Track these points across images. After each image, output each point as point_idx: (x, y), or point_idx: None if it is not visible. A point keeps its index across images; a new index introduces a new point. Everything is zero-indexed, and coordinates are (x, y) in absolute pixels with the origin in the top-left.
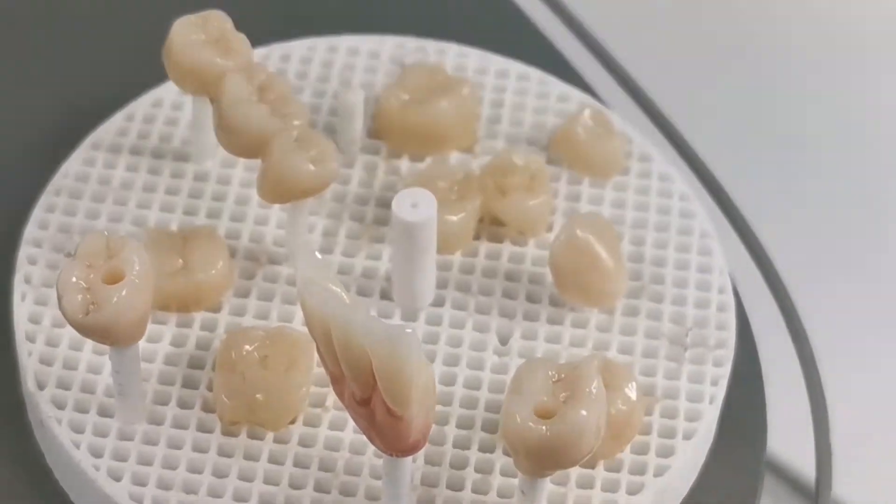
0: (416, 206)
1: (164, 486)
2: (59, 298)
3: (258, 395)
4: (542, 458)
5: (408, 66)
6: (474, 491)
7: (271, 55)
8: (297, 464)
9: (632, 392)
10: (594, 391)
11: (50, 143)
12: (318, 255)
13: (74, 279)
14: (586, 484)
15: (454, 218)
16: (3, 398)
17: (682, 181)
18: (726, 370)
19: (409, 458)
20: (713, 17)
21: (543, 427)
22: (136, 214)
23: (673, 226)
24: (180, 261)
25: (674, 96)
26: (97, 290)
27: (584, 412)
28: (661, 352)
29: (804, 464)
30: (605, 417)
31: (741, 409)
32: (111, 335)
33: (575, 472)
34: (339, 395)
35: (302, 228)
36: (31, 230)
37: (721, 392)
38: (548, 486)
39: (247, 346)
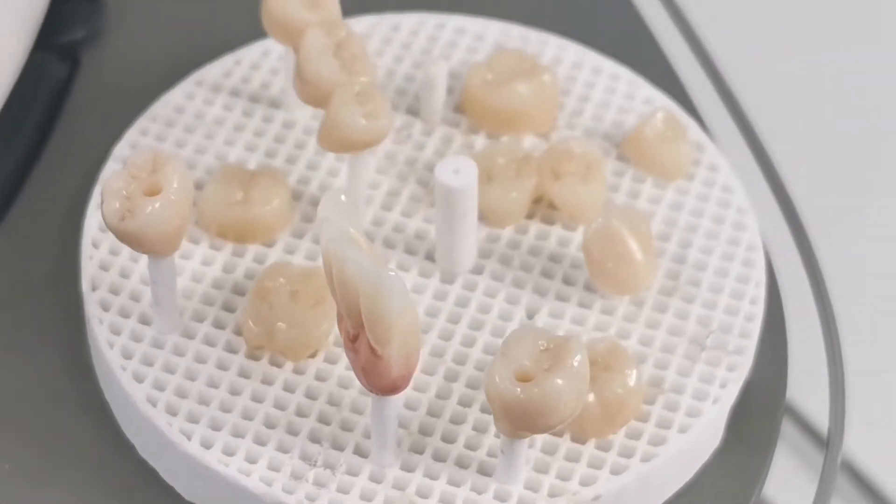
0: (457, 173)
1: (181, 394)
2: (101, 202)
3: (279, 324)
4: (515, 419)
5: (498, 49)
6: (466, 446)
7: (382, 23)
8: (308, 394)
9: (630, 378)
10: (576, 365)
11: (162, 74)
12: (343, 198)
13: (118, 187)
14: (573, 457)
15: (505, 193)
16: (71, 298)
17: (745, 196)
18: (739, 375)
19: (395, 400)
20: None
21: (518, 389)
22: (220, 150)
23: (723, 235)
24: (241, 194)
25: (777, 125)
26: (135, 199)
27: (559, 381)
28: (679, 349)
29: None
30: (584, 392)
31: (756, 420)
32: (143, 244)
33: (565, 445)
34: (341, 332)
35: (360, 182)
36: (120, 148)
37: (728, 396)
38: (525, 449)
39: (281, 279)
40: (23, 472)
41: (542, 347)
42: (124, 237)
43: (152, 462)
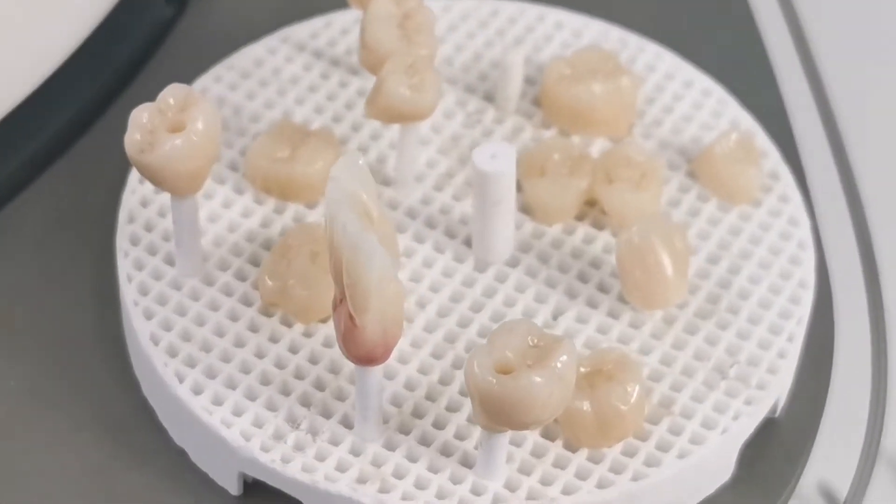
0: (494, 158)
1: (185, 337)
2: (127, 132)
3: (292, 281)
4: (489, 411)
5: (584, 46)
6: (455, 434)
7: (481, 7)
8: (310, 358)
9: (632, 393)
10: (559, 366)
11: (263, 27)
12: (361, 162)
13: (144, 119)
14: (561, 464)
15: (554, 189)
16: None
17: (809, 231)
18: (756, 410)
19: (377, 372)
20: None
21: (494, 380)
22: (289, 107)
23: (776, 267)
24: (289, 151)
25: (877, 172)
26: (157, 134)
27: (538, 379)
28: (700, 374)
29: None
30: (566, 395)
31: (775, 461)
32: (161, 180)
33: (555, 450)
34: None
35: (408, 155)
36: None
37: (740, 429)
38: (504, 445)
39: (305, 239)
40: (27, 392)
41: (531, 343)
42: (143, 170)
43: (151, 401)
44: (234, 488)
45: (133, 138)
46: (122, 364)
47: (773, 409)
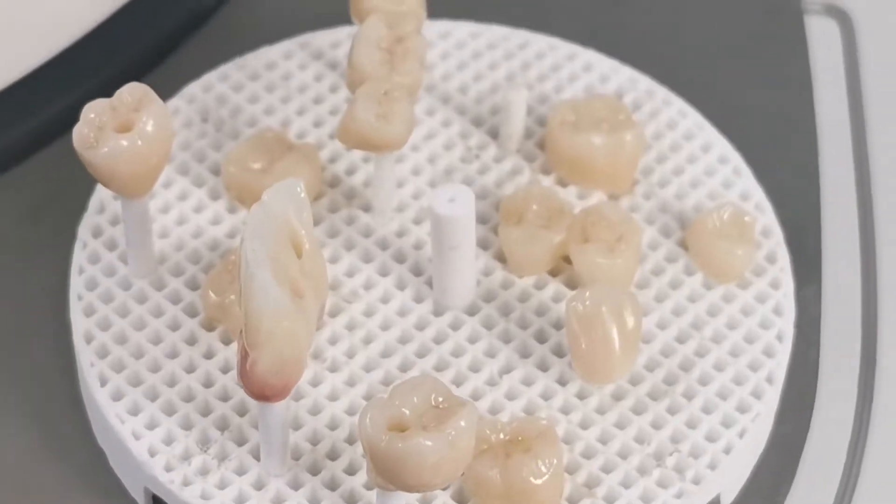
0: (452, 201)
1: (119, 339)
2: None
3: (232, 297)
4: (378, 468)
5: (597, 94)
6: (364, 483)
7: (511, 38)
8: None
9: (546, 469)
10: (453, 434)
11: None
12: (299, 190)
13: (93, 115)
14: None
15: (526, 241)
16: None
17: (791, 322)
18: None
19: (279, 408)
20: None
21: (383, 437)
22: (288, 116)
23: (746, 356)
24: (263, 163)
25: None
26: (104, 131)
27: (427, 443)
28: (635, 458)
29: None
30: (459, 462)
31: None
32: (103, 179)
33: None
34: None
35: (382, 185)
36: (192, 87)
37: None
38: None
39: None
40: None
41: (434, 403)
42: (88, 167)
43: (84, 397)
44: (141, 500)
45: (81, 132)
46: (70, 357)
47: None
